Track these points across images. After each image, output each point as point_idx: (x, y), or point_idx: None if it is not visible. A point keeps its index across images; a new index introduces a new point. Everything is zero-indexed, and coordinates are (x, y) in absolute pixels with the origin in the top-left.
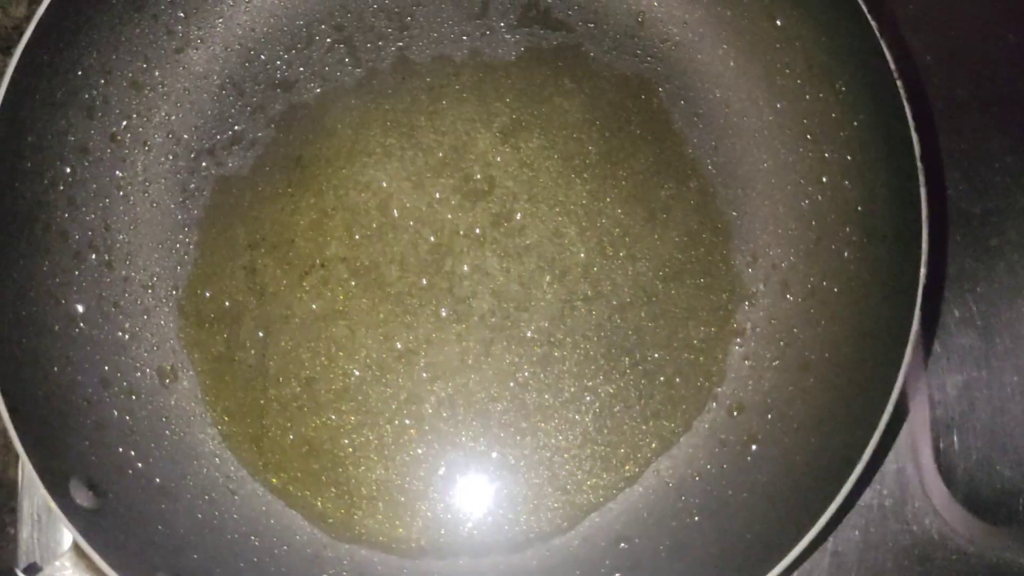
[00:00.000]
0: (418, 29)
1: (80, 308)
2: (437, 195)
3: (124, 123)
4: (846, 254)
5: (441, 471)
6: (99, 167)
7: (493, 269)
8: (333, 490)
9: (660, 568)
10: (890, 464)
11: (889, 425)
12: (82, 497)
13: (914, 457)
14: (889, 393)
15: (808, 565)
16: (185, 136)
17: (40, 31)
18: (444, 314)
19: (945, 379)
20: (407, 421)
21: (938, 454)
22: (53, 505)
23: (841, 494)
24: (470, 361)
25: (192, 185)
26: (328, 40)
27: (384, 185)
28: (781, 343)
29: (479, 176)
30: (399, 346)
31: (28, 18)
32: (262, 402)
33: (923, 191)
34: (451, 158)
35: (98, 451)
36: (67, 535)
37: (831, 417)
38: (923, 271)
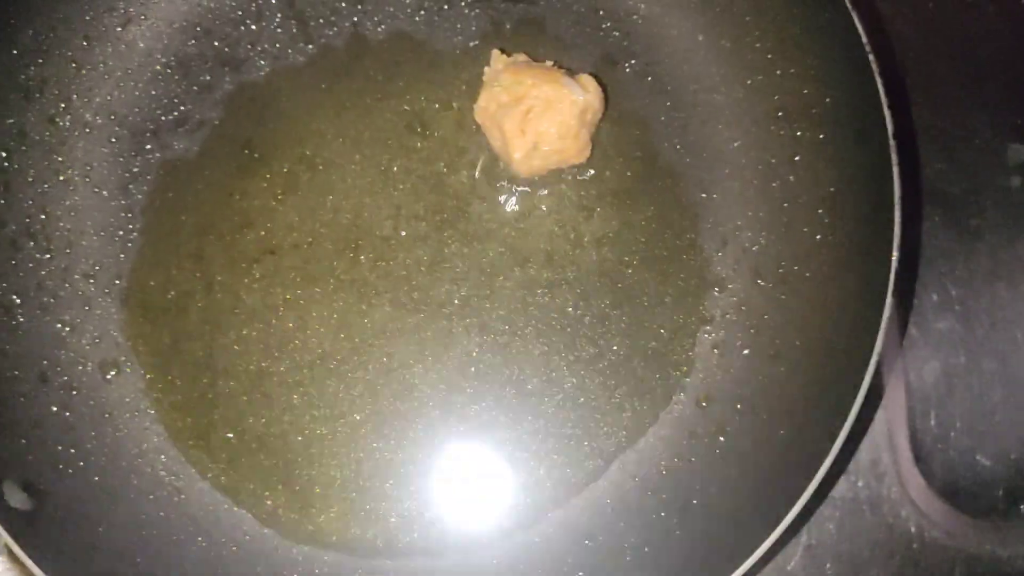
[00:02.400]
0: (373, 3)
1: (16, 299)
2: (394, 180)
3: (63, 105)
4: (818, 237)
5: (398, 468)
6: (37, 151)
7: (452, 256)
8: (284, 488)
9: (625, 566)
10: (865, 454)
11: (862, 414)
12: (16, 499)
13: (890, 447)
14: (861, 381)
15: (781, 559)
16: (128, 118)
17: None
18: (401, 303)
19: (922, 365)
20: (362, 416)
21: (915, 443)
22: None
23: (811, 487)
24: (428, 352)
25: (135, 169)
26: (278, 16)
27: (337, 169)
28: (751, 331)
29: (438, 161)
30: (354, 338)
31: None
32: (210, 396)
33: (896, 171)
34: (408, 141)
35: (34, 450)
36: None
37: (802, 407)
38: (895, 255)
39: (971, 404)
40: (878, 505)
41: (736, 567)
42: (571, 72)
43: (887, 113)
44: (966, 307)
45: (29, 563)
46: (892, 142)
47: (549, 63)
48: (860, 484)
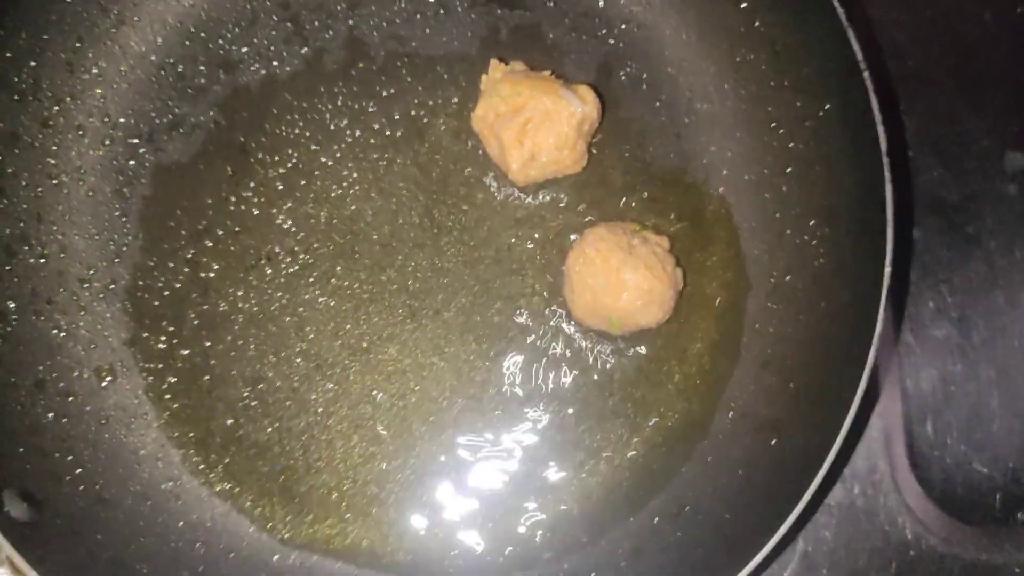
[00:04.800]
0: (369, 8)
1: (11, 304)
2: (390, 187)
3: (56, 108)
4: (811, 248)
5: (397, 474)
6: (30, 155)
7: (449, 263)
8: (282, 494)
9: (618, 572)
10: (861, 461)
11: (857, 422)
12: (16, 510)
13: (887, 454)
14: (853, 392)
15: (776, 566)
16: (122, 120)
17: None
18: (398, 310)
19: (919, 373)
20: (359, 422)
21: (912, 451)
22: None
23: (805, 497)
24: (425, 359)
25: (130, 173)
26: (273, 18)
27: (333, 175)
28: (743, 340)
29: (435, 168)
30: (351, 344)
31: None
32: (207, 403)
33: (888, 188)
34: (404, 147)
35: (33, 458)
36: None
37: (793, 417)
38: (887, 269)
39: (968, 412)
40: (874, 512)
41: (733, 574)
42: (568, 82)
43: (880, 129)
44: (963, 314)
45: (32, 574)
46: (885, 160)
47: (546, 73)
48: (856, 491)
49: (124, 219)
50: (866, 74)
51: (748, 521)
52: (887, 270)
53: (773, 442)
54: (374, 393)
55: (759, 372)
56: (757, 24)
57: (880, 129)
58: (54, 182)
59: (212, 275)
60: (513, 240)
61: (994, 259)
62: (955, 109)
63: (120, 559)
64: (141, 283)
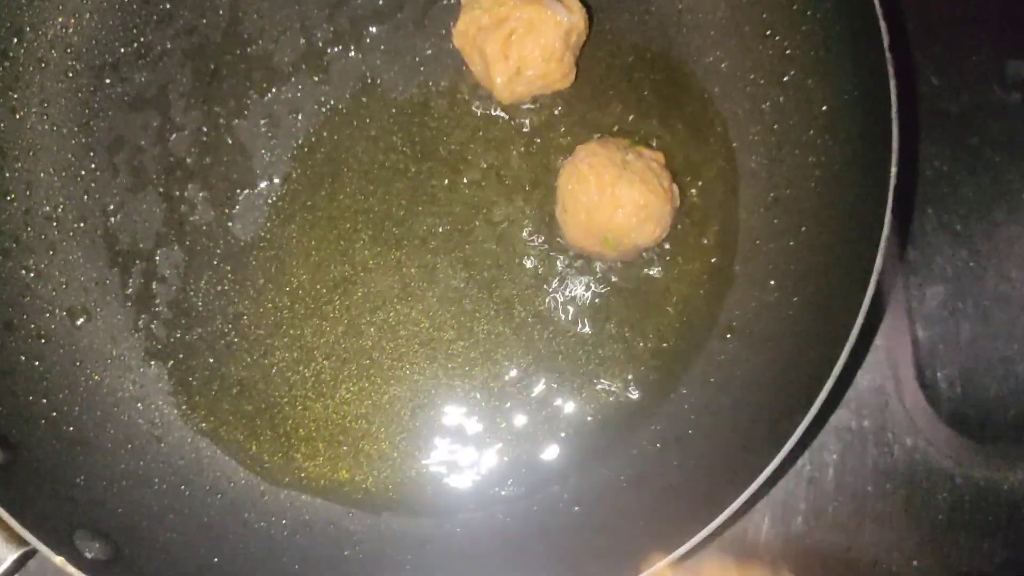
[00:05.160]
0: None
1: None
2: (368, 109)
3: (15, 39)
4: (811, 159)
5: (388, 408)
6: None
7: (433, 188)
8: (269, 432)
9: (620, 498)
10: (867, 382)
11: (861, 339)
12: None
13: (893, 374)
14: (859, 303)
15: (783, 494)
16: (84, 51)
17: None
18: (382, 239)
19: (924, 290)
20: (346, 355)
21: (919, 370)
22: None
23: (809, 415)
24: (412, 289)
25: (96, 104)
26: None
27: (309, 99)
28: (742, 256)
29: (413, 87)
30: (334, 275)
31: None
32: (186, 340)
33: (892, 84)
34: (382, 68)
35: (6, 401)
36: None
37: (798, 333)
38: (893, 170)
39: (975, 328)
40: (882, 434)
41: (731, 500)
42: None
43: (883, 25)
44: (968, 228)
45: (6, 516)
46: (888, 56)
47: None
48: (863, 413)
49: (91, 153)
50: None
51: (751, 443)
52: (893, 171)
53: (775, 361)
54: (361, 325)
55: (760, 290)
56: None
57: (882, 25)
58: (16, 116)
59: (187, 209)
60: (499, 161)
61: (999, 170)
62: (953, 16)
63: (101, 502)
64: (112, 220)
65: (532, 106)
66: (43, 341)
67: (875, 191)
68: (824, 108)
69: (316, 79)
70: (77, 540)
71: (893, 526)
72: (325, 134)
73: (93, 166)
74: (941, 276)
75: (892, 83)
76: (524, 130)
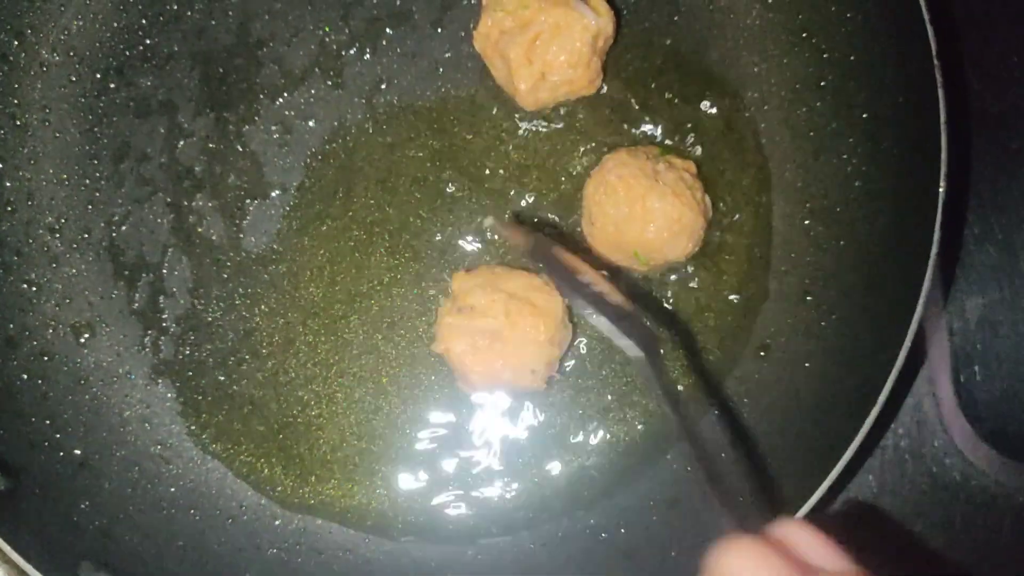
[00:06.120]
0: None
1: None
2: (386, 115)
3: (16, 41)
4: (850, 169)
5: (406, 430)
6: None
7: (452, 198)
8: (281, 454)
9: (650, 523)
10: (905, 399)
11: (907, 361)
12: None
13: (932, 391)
14: (906, 329)
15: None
16: (88, 54)
17: None
18: (399, 250)
19: (964, 302)
20: (362, 374)
21: (959, 387)
22: None
23: (856, 441)
24: (431, 303)
25: (100, 110)
26: None
27: (323, 104)
28: (777, 271)
29: (432, 93)
30: (349, 289)
31: None
32: (196, 357)
33: (941, 93)
34: (400, 73)
35: (7, 422)
36: None
37: (837, 354)
38: (943, 183)
39: (1017, 343)
40: (920, 454)
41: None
42: None
43: (930, 29)
44: (1009, 238)
45: (6, 548)
46: (936, 62)
47: None
48: (901, 432)
49: (95, 161)
50: None
51: (788, 471)
52: (942, 184)
53: (812, 382)
54: (377, 342)
55: (795, 306)
56: None
57: (929, 29)
58: (17, 123)
59: (196, 220)
60: (521, 170)
61: None
62: (989, 17)
63: (108, 530)
64: (118, 231)
65: (556, 112)
66: (46, 359)
67: (922, 205)
68: (864, 115)
69: (330, 83)
70: (82, 573)
71: (933, 547)
72: (339, 141)
73: (97, 175)
74: (981, 288)
75: (940, 92)
76: (548, 137)
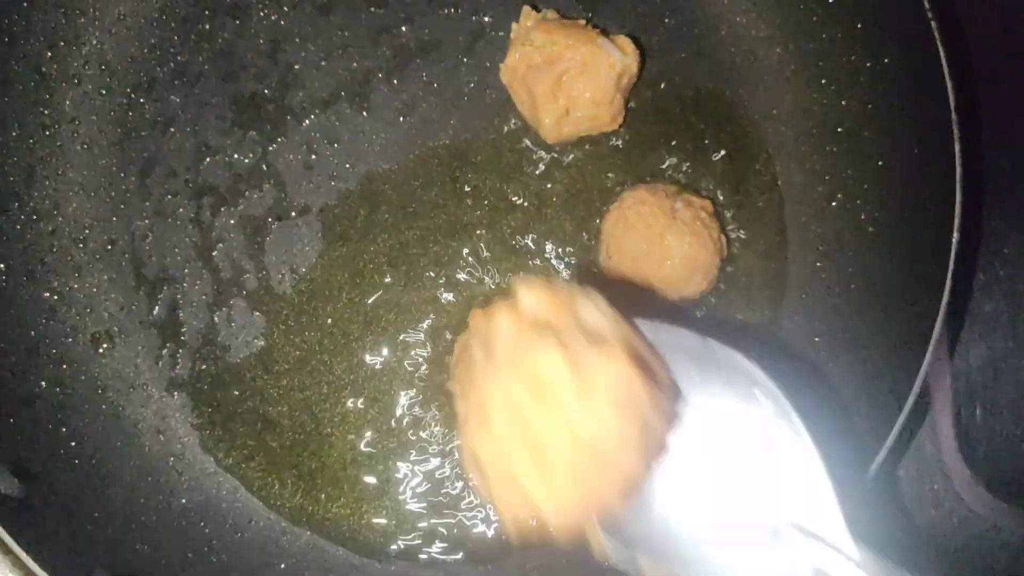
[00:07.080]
0: None
1: (1, 266)
2: (409, 141)
3: (49, 53)
4: (863, 215)
5: (421, 450)
6: (21, 103)
7: (470, 225)
8: (293, 471)
9: None
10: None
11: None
12: (6, 484)
13: (933, 436)
14: (913, 379)
15: None
16: (120, 68)
17: None
18: (417, 275)
19: (968, 349)
20: (376, 395)
21: (959, 431)
22: None
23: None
24: (446, 329)
25: (129, 124)
26: None
27: (350, 127)
28: (788, 313)
29: (455, 121)
30: (367, 310)
31: None
32: (212, 371)
33: (958, 147)
34: (425, 101)
35: (26, 430)
36: None
37: (841, 399)
38: (955, 236)
39: (1018, 390)
40: (920, 498)
41: None
42: (605, 32)
43: (949, 83)
44: (1014, 287)
45: (21, 553)
46: (954, 116)
47: (581, 22)
48: (900, 474)
49: (122, 174)
50: (934, 24)
51: None
52: (955, 236)
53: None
54: (392, 365)
55: (805, 349)
56: None
57: (948, 83)
58: (47, 133)
59: (219, 235)
60: (541, 201)
61: None
62: (998, 68)
63: (119, 539)
64: (141, 244)
65: (578, 146)
66: (65, 367)
67: (934, 255)
68: (880, 163)
69: (356, 108)
70: None
71: None
72: (363, 165)
73: (123, 188)
74: (985, 335)
75: (957, 145)
76: (568, 171)
